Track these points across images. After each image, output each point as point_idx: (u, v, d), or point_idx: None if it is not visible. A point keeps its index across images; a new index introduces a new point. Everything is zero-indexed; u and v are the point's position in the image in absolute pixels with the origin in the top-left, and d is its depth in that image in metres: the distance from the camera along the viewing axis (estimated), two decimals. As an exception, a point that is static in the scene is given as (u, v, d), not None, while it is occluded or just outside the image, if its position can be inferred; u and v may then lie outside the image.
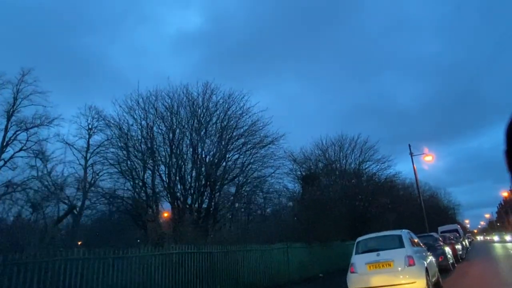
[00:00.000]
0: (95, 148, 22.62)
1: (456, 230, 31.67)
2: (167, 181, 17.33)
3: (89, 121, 26.56)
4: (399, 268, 8.07)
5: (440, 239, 16.65)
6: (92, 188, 20.65)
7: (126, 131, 17.85)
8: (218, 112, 18.98)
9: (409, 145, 31.77)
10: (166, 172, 17.42)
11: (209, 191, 18.47)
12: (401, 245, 8.44)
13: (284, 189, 19.91)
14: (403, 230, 9.16)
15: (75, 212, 22.24)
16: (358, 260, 8.64)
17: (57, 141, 24.01)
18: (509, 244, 38.40)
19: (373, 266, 8.28)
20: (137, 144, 18.05)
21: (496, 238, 60.01)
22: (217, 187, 18.76)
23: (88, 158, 25.77)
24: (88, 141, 26.32)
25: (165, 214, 19.73)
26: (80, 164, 25.85)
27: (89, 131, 27.43)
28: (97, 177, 22.80)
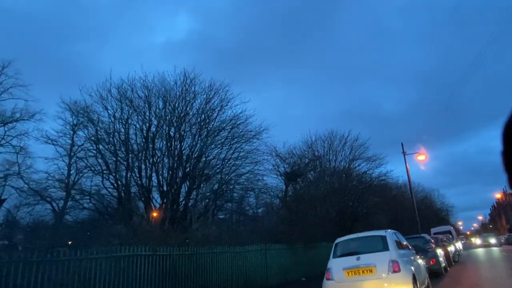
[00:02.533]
0: (80, 145, 21.05)
1: (449, 232, 30.67)
2: (139, 177, 16.04)
3: (73, 117, 24.95)
4: (383, 275, 6.90)
5: (432, 241, 15.55)
6: (76, 187, 19.17)
7: (96, 122, 16.55)
8: (198, 102, 17.70)
9: (402, 144, 30.78)
10: (138, 166, 16.13)
11: (186, 188, 17.22)
12: (385, 247, 7.25)
13: (268, 186, 18.67)
14: (388, 230, 7.98)
15: (57, 211, 20.82)
16: (336, 264, 7.45)
17: (40, 137, 22.22)
18: (494, 249, 33.48)
19: (352, 272, 7.09)
20: (110, 136, 16.73)
21: (478, 241, 47.05)
22: (195, 184, 17.51)
23: (72, 155, 24.27)
24: (72, 138, 24.80)
25: (155, 214, 18.42)
26: (64, 161, 24.35)
27: (73, 127, 25.92)
28: (80, 175, 21.30)
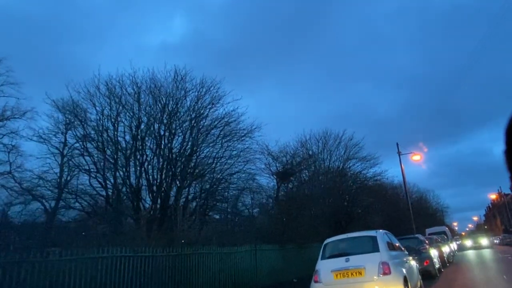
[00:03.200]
0: (71, 145, 20.39)
1: (444, 232, 30.53)
2: (127, 176, 15.61)
3: (63, 115, 24.20)
4: (373, 277, 6.57)
5: (426, 241, 15.28)
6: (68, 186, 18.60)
7: (83, 119, 16.13)
8: (189, 99, 17.30)
9: (397, 144, 30.62)
10: (126, 165, 15.71)
11: (176, 187, 16.82)
12: (375, 248, 6.92)
13: (260, 186, 18.31)
14: (379, 230, 7.65)
15: (49, 210, 20.31)
16: (324, 266, 7.12)
17: (33, 135, 21.40)
18: (485, 251, 30.19)
19: (340, 274, 6.75)
20: (98, 134, 16.31)
21: (468, 242, 41.76)
22: (186, 183, 17.12)
23: (66, 154, 23.68)
24: (65, 136, 24.18)
25: (143, 214, 17.89)
26: (56, 160, 23.74)
27: (66, 125, 25.32)
28: (71, 174, 20.70)
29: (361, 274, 6.59)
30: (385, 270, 6.49)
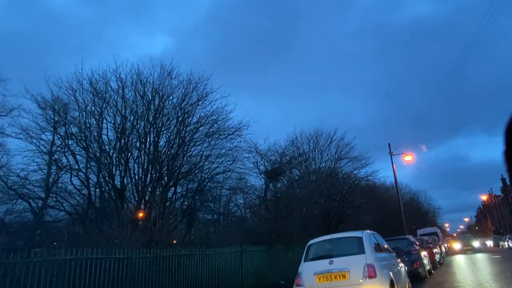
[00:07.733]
0: (59, 144, 19.67)
1: (436, 233, 30.48)
2: (111, 175, 15.07)
3: (54, 114, 23.39)
4: (358, 280, 6.21)
5: (417, 242, 15.00)
6: (58, 185, 17.93)
7: (64, 117, 15.57)
8: (175, 96, 16.79)
9: (389, 144, 30.49)
10: (110, 163, 15.16)
11: (161, 188, 16.31)
12: (360, 250, 6.55)
13: (248, 185, 17.87)
14: (365, 231, 7.28)
15: (36, 210, 19.65)
16: (306, 269, 6.73)
17: (19, 133, 20.51)
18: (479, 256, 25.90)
19: (323, 277, 6.37)
20: (81, 131, 15.74)
21: (457, 245, 35.84)
22: (172, 183, 16.62)
23: (54, 152, 23.00)
24: (53, 135, 23.49)
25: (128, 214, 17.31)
26: (44, 159, 23.04)
27: (54, 124, 24.63)
28: (54, 174, 20.02)
29: (345, 277, 6.21)
30: (370, 273, 6.12)
